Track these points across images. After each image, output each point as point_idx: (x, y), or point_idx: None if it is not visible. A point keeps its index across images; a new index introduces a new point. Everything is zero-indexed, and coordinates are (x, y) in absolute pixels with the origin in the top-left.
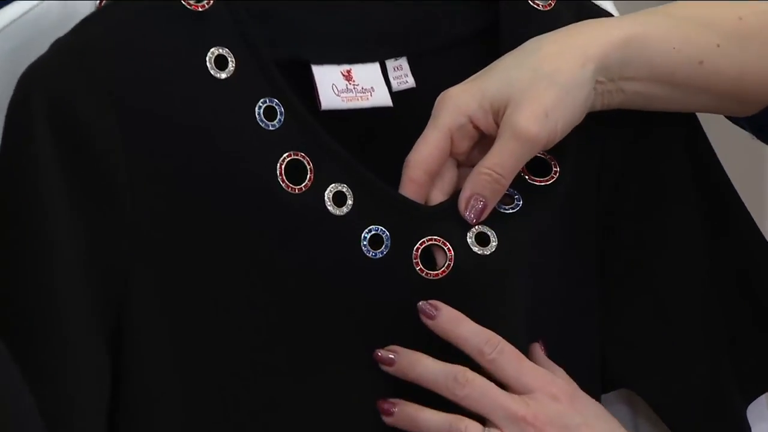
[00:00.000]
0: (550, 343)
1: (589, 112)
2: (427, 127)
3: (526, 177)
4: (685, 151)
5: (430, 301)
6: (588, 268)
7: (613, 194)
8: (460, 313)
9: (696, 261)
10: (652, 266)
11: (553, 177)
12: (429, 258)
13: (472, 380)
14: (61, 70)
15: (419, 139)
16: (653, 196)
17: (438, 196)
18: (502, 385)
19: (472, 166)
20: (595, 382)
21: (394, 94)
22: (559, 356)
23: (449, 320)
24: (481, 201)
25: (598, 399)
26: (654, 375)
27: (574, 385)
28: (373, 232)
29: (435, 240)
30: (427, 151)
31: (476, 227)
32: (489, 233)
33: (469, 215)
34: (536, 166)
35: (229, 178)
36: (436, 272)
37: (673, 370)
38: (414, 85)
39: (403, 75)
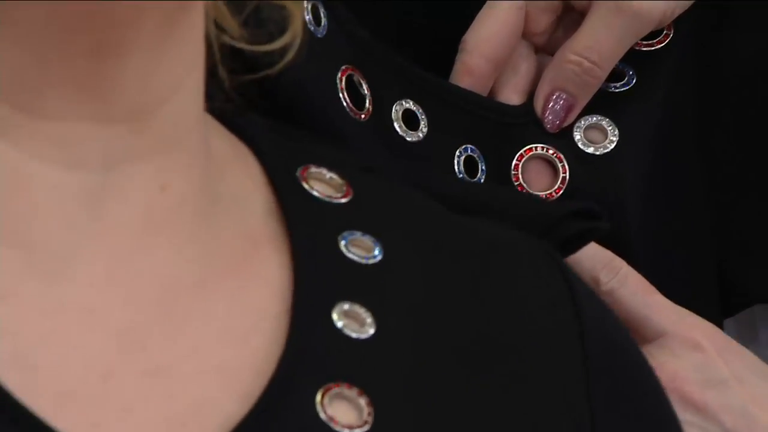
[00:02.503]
0: (666, 259)
1: None
2: None
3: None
4: None
5: None
6: (697, 159)
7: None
8: None
9: None
10: None
11: (668, 36)
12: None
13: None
14: None
15: (480, 13)
16: None
17: (511, 96)
18: None
19: (554, 53)
20: (714, 302)
21: None
22: (674, 273)
23: None
24: (564, 99)
25: (719, 323)
26: None
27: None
28: (464, 155)
29: (538, 149)
30: (490, 30)
31: (586, 119)
32: (605, 124)
33: (548, 118)
34: None
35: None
36: (549, 192)
37: None
38: None
39: None
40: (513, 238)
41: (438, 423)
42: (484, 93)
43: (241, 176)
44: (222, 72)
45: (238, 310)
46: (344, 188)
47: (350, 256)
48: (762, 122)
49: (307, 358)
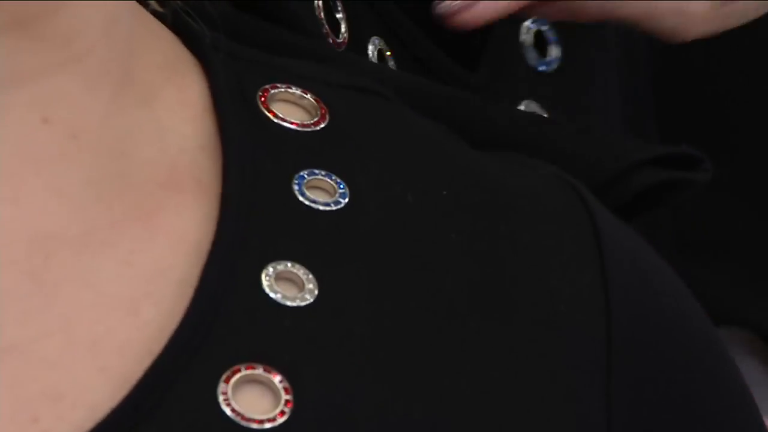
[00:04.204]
0: None
1: None
2: None
3: None
4: None
5: None
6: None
7: None
8: None
9: None
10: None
11: None
12: None
13: None
14: None
15: None
16: None
17: None
18: None
19: None
20: None
21: None
22: None
23: None
24: None
25: None
26: None
27: None
28: None
29: None
30: None
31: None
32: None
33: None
34: None
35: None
36: None
37: None
38: None
39: None
40: (529, 178)
41: (384, 420)
42: None
43: (174, 102)
44: None
45: (131, 274)
46: (319, 111)
47: (304, 201)
48: None
49: (210, 332)
